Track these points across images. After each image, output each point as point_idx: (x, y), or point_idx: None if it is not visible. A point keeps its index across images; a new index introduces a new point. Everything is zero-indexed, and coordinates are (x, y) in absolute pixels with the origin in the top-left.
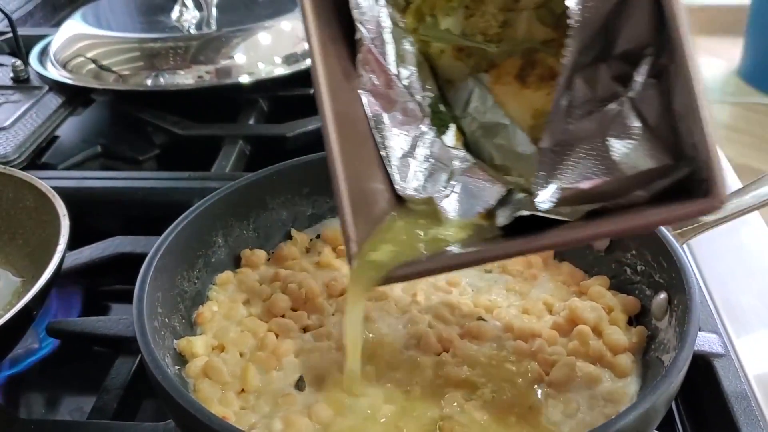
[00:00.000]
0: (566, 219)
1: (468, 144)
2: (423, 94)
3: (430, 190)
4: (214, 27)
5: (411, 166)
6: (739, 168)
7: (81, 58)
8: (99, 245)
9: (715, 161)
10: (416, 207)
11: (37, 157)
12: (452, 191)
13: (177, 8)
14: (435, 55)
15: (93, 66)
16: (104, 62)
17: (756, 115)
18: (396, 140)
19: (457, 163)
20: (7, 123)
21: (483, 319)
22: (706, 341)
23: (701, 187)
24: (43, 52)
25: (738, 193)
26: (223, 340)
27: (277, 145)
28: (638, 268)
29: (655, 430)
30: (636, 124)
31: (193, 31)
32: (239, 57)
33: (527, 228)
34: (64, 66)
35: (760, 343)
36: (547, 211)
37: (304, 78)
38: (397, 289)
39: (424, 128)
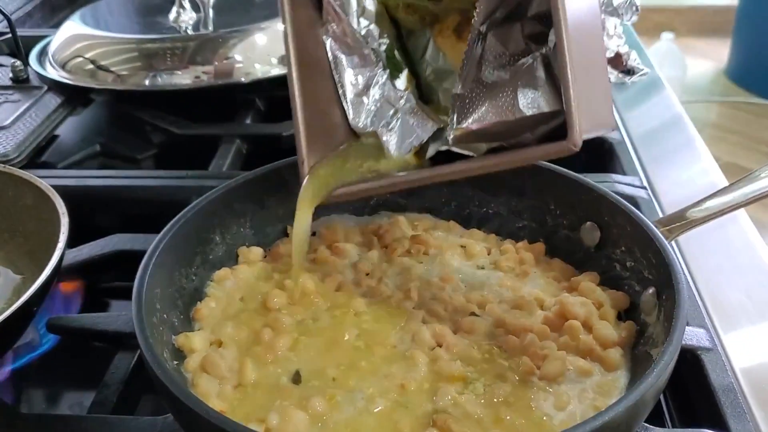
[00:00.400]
0: (471, 154)
1: (420, 87)
2: (379, 41)
3: (376, 125)
4: (211, 28)
5: (364, 103)
6: (727, 166)
7: (80, 59)
8: (98, 243)
9: (573, 112)
10: (366, 141)
11: (37, 156)
12: (394, 126)
13: (174, 9)
14: (393, 8)
15: (92, 66)
16: (103, 62)
17: (743, 115)
18: (352, 80)
19: (402, 102)
20: (7, 122)
21: (476, 315)
22: (693, 336)
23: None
24: (42, 53)
25: (725, 190)
26: (220, 335)
27: (273, 144)
28: (628, 264)
29: (644, 422)
30: (542, 75)
31: (190, 32)
32: (236, 57)
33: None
34: (63, 66)
35: (747, 338)
36: (457, 146)
37: None
38: (391, 285)
39: (377, 71)
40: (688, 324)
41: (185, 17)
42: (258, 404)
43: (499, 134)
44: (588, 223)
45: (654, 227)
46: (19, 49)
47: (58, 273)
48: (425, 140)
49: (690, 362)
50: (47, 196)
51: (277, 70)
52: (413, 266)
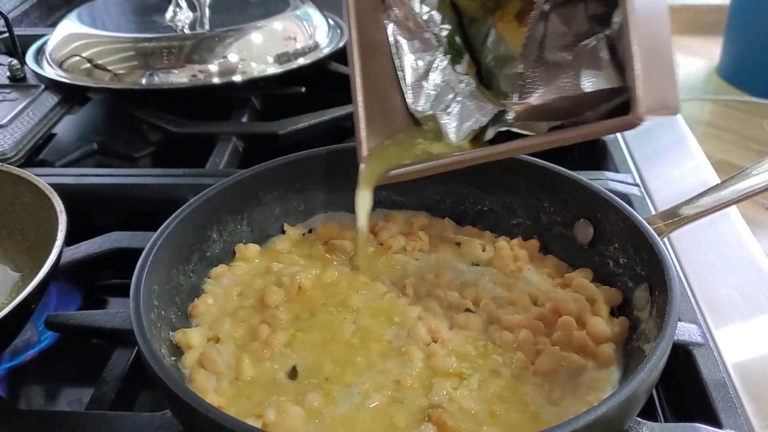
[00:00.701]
0: (530, 133)
1: (481, 74)
2: (441, 26)
3: (436, 108)
4: (207, 27)
5: (423, 87)
6: (719, 164)
7: (77, 58)
8: (96, 240)
9: (638, 85)
10: (426, 125)
11: (35, 155)
12: (453, 110)
13: (171, 8)
14: None
15: (88, 65)
16: (100, 61)
17: (735, 113)
18: (412, 64)
19: (462, 86)
20: (5, 121)
21: (470, 311)
22: (686, 331)
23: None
24: (40, 52)
25: (717, 188)
26: (217, 331)
27: (269, 142)
28: (620, 260)
29: (637, 417)
30: (605, 56)
31: (186, 30)
32: (232, 56)
33: None
34: (60, 65)
35: (739, 333)
36: (516, 126)
37: (296, 76)
38: (387, 282)
39: (438, 56)
40: (680, 320)
41: (182, 16)
42: (255, 400)
43: (560, 112)
44: (581, 220)
45: (646, 224)
46: (16, 48)
47: (56, 270)
48: (485, 123)
49: (682, 357)
50: (45, 195)
51: (272, 69)
52: (409, 263)
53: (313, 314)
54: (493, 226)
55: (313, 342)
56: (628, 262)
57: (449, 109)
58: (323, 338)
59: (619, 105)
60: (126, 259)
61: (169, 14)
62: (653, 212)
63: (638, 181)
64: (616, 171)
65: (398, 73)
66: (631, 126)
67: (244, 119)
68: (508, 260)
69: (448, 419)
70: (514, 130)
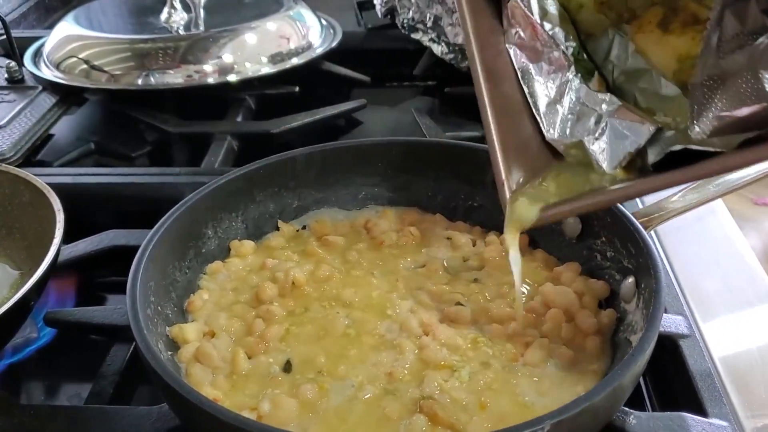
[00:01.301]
0: (718, 150)
1: (611, 91)
2: (566, 44)
3: (579, 134)
4: (202, 28)
5: (558, 112)
6: None
7: (74, 59)
8: (93, 238)
9: None
10: (569, 156)
11: (33, 155)
12: (601, 133)
13: (166, 10)
14: (574, 10)
15: (85, 66)
16: (96, 62)
17: None
18: (542, 89)
19: (604, 107)
20: (3, 122)
21: (461, 304)
22: (672, 323)
23: None
24: (37, 53)
25: (702, 183)
26: (213, 326)
27: (263, 140)
28: (608, 254)
29: (626, 406)
30: None
31: (181, 32)
32: (227, 57)
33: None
34: (57, 66)
35: (724, 325)
36: (700, 143)
37: (290, 76)
38: (379, 276)
39: (569, 76)
40: (667, 312)
41: (176, 17)
42: (250, 393)
43: (761, 122)
44: None
45: (632, 218)
46: (14, 50)
47: (55, 268)
48: (643, 145)
49: (669, 349)
50: (43, 194)
51: (267, 69)
52: (401, 258)
53: (307, 309)
54: (484, 221)
55: (307, 336)
56: (615, 255)
57: (596, 134)
58: (317, 332)
59: None
60: (123, 256)
61: (164, 15)
62: (640, 207)
63: None
64: None
65: (529, 100)
66: None
67: (239, 118)
68: (497, 254)
69: (439, 410)
70: (694, 148)
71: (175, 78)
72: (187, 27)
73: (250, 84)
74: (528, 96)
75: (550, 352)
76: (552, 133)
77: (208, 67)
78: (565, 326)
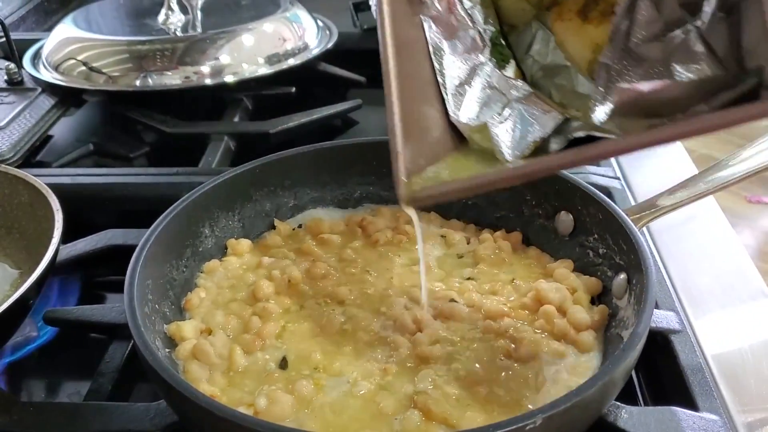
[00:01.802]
0: (611, 136)
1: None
2: (484, 26)
3: (484, 117)
4: (199, 29)
5: (467, 94)
6: (702, 158)
7: (72, 61)
8: (92, 238)
9: None
10: (472, 142)
11: (32, 156)
12: (507, 118)
13: (163, 12)
14: None
15: (84, 68)
16: (95, 64)
17: None
18: (454, 68)
19: (514, 92)
20: (3, 123)
21: (455, 301)
22: (664, 318)
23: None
24: (36, 55)
25: (693, 179)
26: (210, 324)
27: (260, 141)
28: (600, 251)
29: (618, 401)
30: (701, 50)
31: (179, 33)
32: (224, 58)
33: None
34: (56, 68)
35: (716, 321)
36: (601, 128)
37: (287, 77)
38: (374, 274)
39: (483, 58)
40: (658, 307)
41: (174, 19)
42: (246, 389)
43: (664, 106)
44: (562, 212)
45: (624, 215)
46: (13, 52)
47: (54, 267)
48: (549, 134)
49: (660, 344)
50: (42, 194)
51: (263, 70)
52: (395, 255)
53: (303, 306)
54: (478, 219)
55: (302, 333)
56: (607, 252)
57: (503, 118)
58: (313, 329)
59: (744, 93)
60: (122, 255)
61: (161, 17)
62: (633, 204)
63: (620, 174)
64: (598, 165)
65: (438, 78)
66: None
67: (236, 119)
68: (491, 252)
69: (432, 405)
70: (596, 134)
71: (172, 79)
72: (184, 29)
73: (247, 85)
74: (438, 73)
75: (543, 347)
76: (458, 115)
77: (205, 68)
78: (557, 322)
